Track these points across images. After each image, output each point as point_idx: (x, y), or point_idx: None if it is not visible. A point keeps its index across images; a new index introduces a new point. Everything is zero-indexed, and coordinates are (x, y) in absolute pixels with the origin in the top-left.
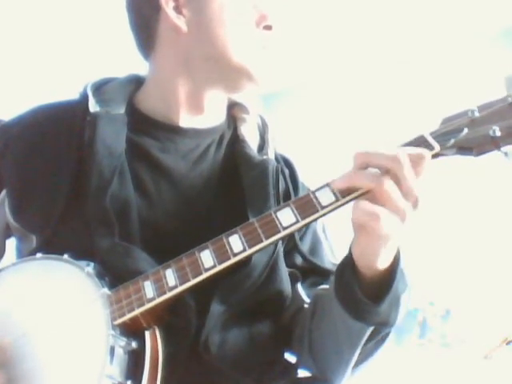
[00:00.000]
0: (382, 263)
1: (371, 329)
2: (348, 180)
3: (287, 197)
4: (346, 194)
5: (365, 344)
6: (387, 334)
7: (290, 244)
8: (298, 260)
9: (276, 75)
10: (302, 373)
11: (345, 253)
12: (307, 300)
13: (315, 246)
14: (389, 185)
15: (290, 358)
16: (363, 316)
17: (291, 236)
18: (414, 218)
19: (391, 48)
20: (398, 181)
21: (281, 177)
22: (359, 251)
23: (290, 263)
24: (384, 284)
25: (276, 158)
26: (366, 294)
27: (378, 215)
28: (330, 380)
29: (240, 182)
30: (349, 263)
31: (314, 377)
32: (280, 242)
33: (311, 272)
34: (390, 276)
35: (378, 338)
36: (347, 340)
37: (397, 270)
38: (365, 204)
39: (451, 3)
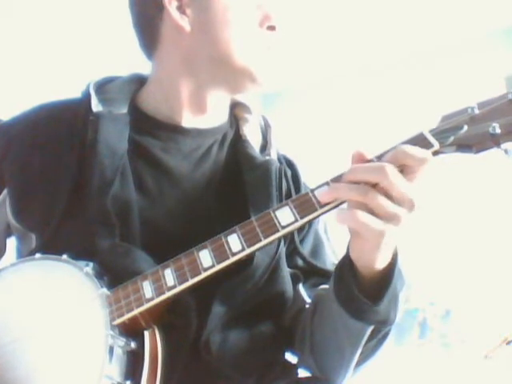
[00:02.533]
0: (380, 263)
1: (371, 328)
2: (332, 194)
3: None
4: None
5: (365, 343)
6: (387, 333)
7: (292, 246)
8: (300, 261)
9: (277, 75)
10: (302, 373)
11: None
12: (308, 301)
13: (317, 248)
14: (374, 195)
15: (291, 358)
16: (363, 315)
17: (292, 238)
18: (413, 219)
19: (391, 48)
20: (386, 191)
21: (283, 178)
22: (356, 254)
23: (291, 264)
24: (383, 283)
25: (278, 159)
26: (365, 294)
27: (369, 225)
28: (331, 380)
29: (242, 183)
30: (347, 263)
31: (315, 377)
32: (282, 243)
33: (313, 273)
34: (388, 275)
35: (378, 336)
36: (348, 340)
37: (395, 268)
38: (357, 213)
39: (451, 3)
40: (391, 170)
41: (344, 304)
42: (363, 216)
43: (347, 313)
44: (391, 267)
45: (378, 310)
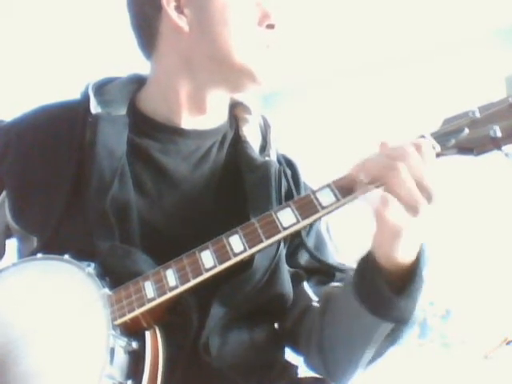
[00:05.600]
0: (402, 257)
1: (386, 326)
2: (361, 167)
3: (289, 199)
4: (346, 194)
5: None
6: (399, 335)
7: (295, 243)
8: (303, 259)
9: (277, 75)
10: (303, 373)
11: (348, 252)
12: (315, 298)
13: (319, 246)
14: (400, 170)
15: (291, 358)
16: (382, 309)
17: (297, 234)
18: (429, 214)
19: (391, 48)
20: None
21: (283, 179)
22: (377, 242)
23: (293, 263)
24: (405, 279)
25: (278, 159)
26: (388, 287)
27: (386, 201)
28: (337, 379)
29: (242, 184)
30: (370, 258)
31: (315, 377)
32: (282, 244)
33: (316, 271)
34: (411, 272)
35: (391, 336)
36: (360, 338)
37: (417, 267)
38: (378, 190)
39: (452, 2)
40: (414, 153)
41: (364, 298)
42: (384, 193)
43: (366, 308)
44: (413, 265)
45: (397, 305)
